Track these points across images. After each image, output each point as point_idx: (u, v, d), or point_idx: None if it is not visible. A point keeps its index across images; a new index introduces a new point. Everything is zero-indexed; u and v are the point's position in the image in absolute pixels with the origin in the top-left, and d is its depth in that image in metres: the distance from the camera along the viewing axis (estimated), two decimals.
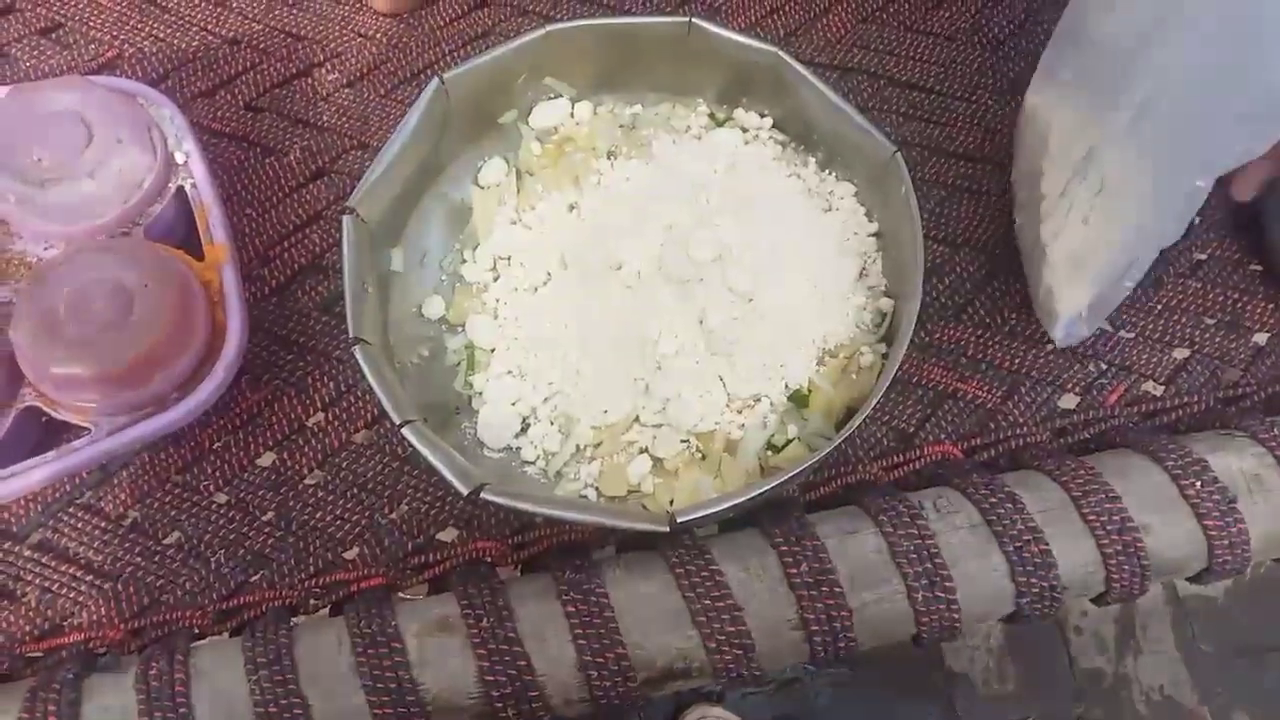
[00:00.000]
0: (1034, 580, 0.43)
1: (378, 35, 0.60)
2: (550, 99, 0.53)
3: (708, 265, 0.46)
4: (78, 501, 0.47)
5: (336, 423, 0.49)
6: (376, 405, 0.49)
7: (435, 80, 0.47)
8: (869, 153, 0.48)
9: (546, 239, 0.50)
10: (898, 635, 0.43)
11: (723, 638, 0.41)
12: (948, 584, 0.43)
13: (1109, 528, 0.44)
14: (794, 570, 0.42)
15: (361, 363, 0.42)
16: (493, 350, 0.48)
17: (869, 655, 0.44)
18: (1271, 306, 0.53)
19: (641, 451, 0.47)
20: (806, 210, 0.50)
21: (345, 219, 0.44)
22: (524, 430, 0.47)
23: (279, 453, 0.48)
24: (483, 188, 0.52)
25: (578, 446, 0.47)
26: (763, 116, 0.53)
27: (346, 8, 0.60)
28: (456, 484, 0.40)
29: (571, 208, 0.51)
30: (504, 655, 0.40)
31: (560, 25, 0.49)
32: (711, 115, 0.53)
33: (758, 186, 0.50)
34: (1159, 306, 0.53)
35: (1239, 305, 0.53)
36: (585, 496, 0.46)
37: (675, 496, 0.45)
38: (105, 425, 0.44)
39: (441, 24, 0.61)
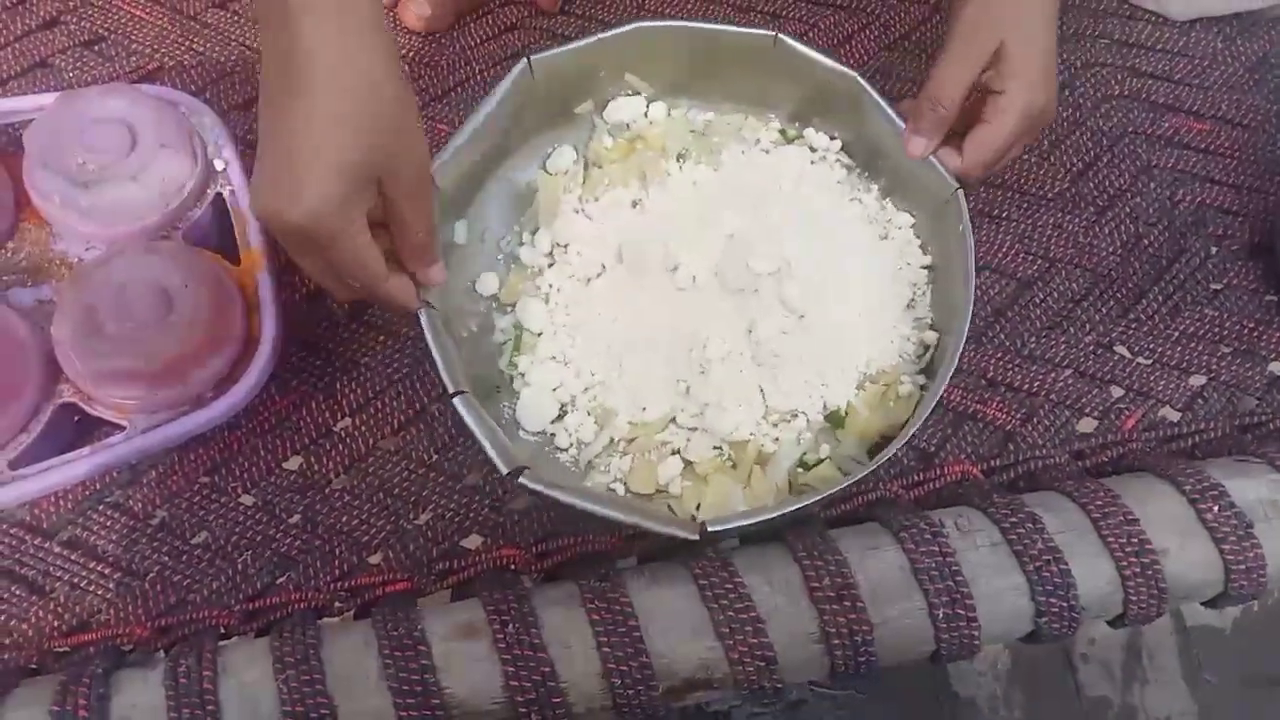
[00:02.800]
0: (1053, 600, 0.44)
1: (410, 54, 0.61)
2: (627, 95, 0.54)
3: (764, 277, 0.47)
4: (107, 500, 0.47)
5: (364, 428, 0.50)
6: (404, 411, 0.50)
7: (523, 60, 0.48)
8: (931, 187, 0.49)
9: (606, 231, 0.51)
10: (917, 652, 0.44)
11: (745, 649, 0.41)
12: (968, 601, 0.43)
13: (1127, 550, 0.44)
14: (816, 584, 0.43)
15: (424, 326, 0.43)
16: (540, 334, 0.49)
17: (875, 677, 0.44)
18: None
19: (674, 453, 0.47)
20: (864, 236, 0.51)
21: None
22: (560, 417, 0.48)
23: (306, 456, 0.49)
24: (550, 174, 0.53)
25: (611, 439, 0.47)
26: (832, 139, 0.54)
27: None
28: (498, 462, 0.41)
29: (635, 204, 0.52)
30: (528, 661, 0.40)
31: (649, 24, 0.50)
32: (782, 131, 0.54)
33: (820, 206, 0.51)
34: (1176, 334, 0.54)
35: (1255, 334, 0.54)
36: (613, 490, 0.47)
37: (703, 501, 0.46)
38: (141, 422, 0.44)
39: (473, 44, 0.62)
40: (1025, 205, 0.58)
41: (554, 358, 0.49)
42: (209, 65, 0.59)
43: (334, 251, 0.39)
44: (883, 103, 0.49)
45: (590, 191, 0.52)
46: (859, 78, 0.50)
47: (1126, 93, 0.62)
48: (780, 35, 0.50)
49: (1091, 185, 0.58)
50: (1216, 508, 0.46)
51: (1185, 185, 0.59)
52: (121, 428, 0.45)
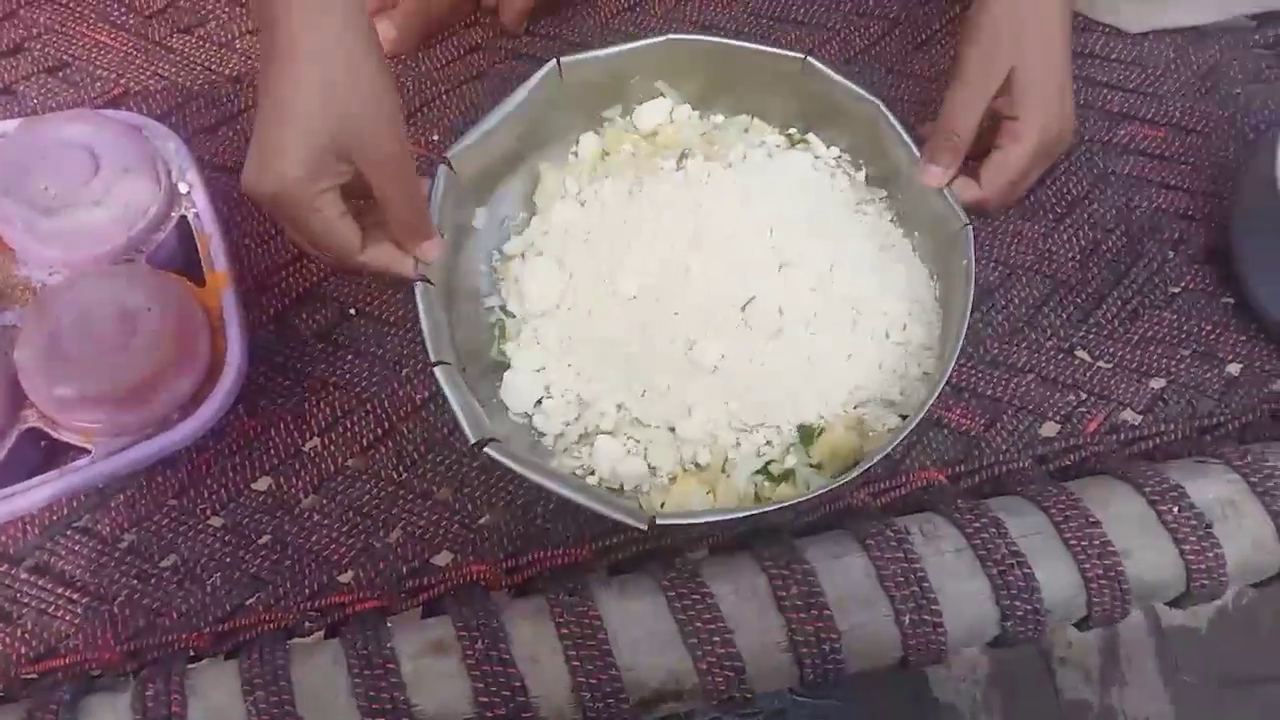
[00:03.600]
0: (1018, 603, 0.44)
1: None
2: (654, 100, 0.55)
3: (749, 281, 0.48)
4: (75, 524, 0.47)
5: (333, 447, 0.50)
6: (372, 430, 0.50)
7: (552, 62, 0.50)
8: (943, 219, 0.49)
9: (595, 223, 0.52)
10: (885, 658, 0.44)
11: (714, 659, 0.42)
12: (934, 607, 0.43)
13: (1090, 552, 0.45)
14: (784, 593, 0.43)
15: (418, 299, 0.45)
16: (521, 316, 0.51)
17: (855, 686, 0.45)
18: (1244, 338, 0.55)
19: (643, 454, 0.48)
20: (866, 248, 0.51)
21: (440, 168, 0.48)
22: (540, 403, 0.49)
23: (275, 477, 0.49)
24: (554, 166, 0.54)
25: (586, 430, 0.48)
26: (829, 147, 0.55)
27: None
28: (467, 430, 0.42)
29: (630, 194, 0.52)
30: (498, 677, 0.41)
31: (679, 37, 0.52)
32: (789, 135, 0.55)
33: (824, 217, 0.51)
34: (1135, 337, 0.55)
35: (1213, 337, 0.55)
36: (578, 476, 0.48)
37: (667, 501, 0.47)
38: (105, 446, 0.44)
39: (438, 66, 0.62)
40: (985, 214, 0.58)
41: (538, 343, 0.50)
42: (174, 90, 0.59)
43: (304, 223, 0.43)
44: (901, 131, 0.50)
45: (591, 182, 0.53)
46: (880, 105, 0.50)
47: (1083, 102, 0.63)
48: (808, 58, 0.51)
49: (1050, 193, 0.59)
50: (1176, 508, 0.46)
51: (1141, 191, 0.60)
52: (87, 451, 0.45)
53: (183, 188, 0.51)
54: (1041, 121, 0.48)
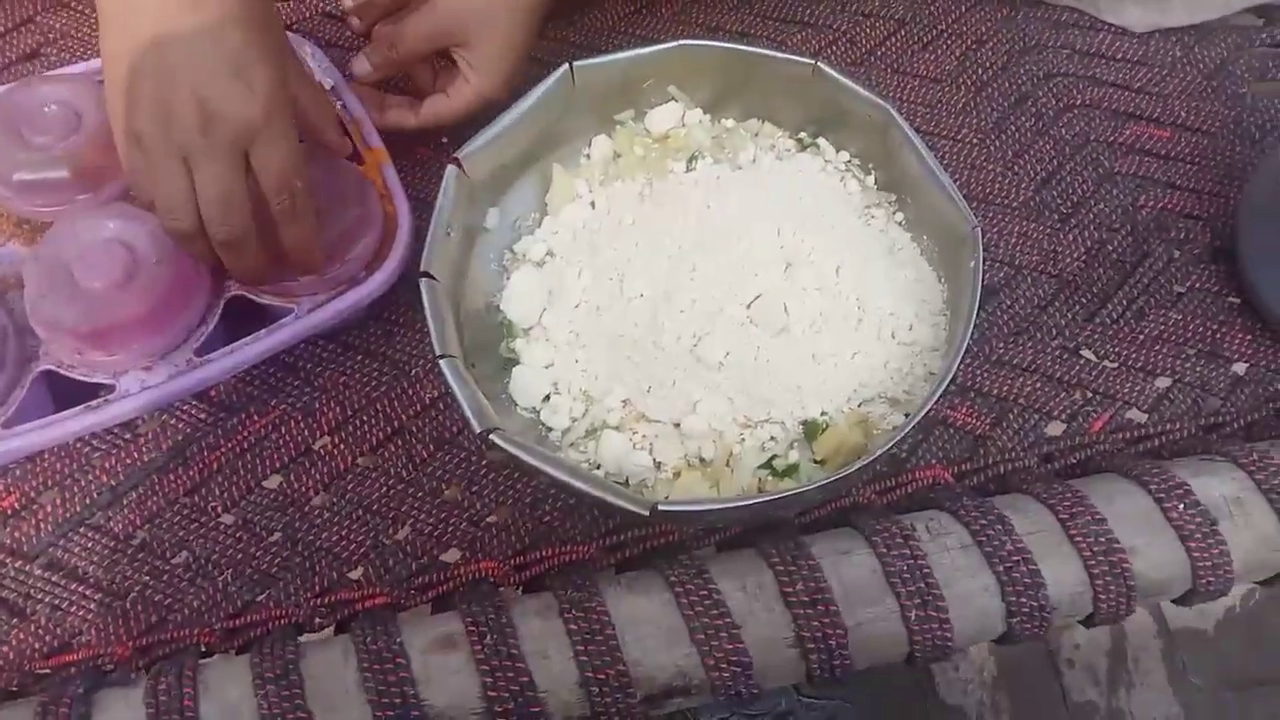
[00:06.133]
0: (1024, 600, 0.44)
1: None
2: (665, 104, 0.56)
3: (756, 280, 0.48)
4: (88, 521, 0.48)
5: (343, 446, 0.50)
6: (382, 429, 0.51)
7: (564, 65, 0.51)
8: (950, 221, 0.49)
9: (605, 222, 0.52)
10: (892, 654, 0.44)
11: (720, 655, 0.42)
12: (940, 604, 0.44)
13: (1095, 549, 0.45)
14: (790, 589, 0.43)
15: (424, 295, 0.46)
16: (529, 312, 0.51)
17: (863, 686, 0.45)
18: (1249, 337, 0.55)
19: (648, 449, 0.48)
20: (873, 251, 0.51)
21: (449, 168, 0.49)
22: (548, 398, 0.49)
23: (285, 475, 0.49)
24: (566, 168, 0.55)
25: (593, 425, 0.48)
26: (839, 151, 0.55)
27: None
28: (473, 421, 0.43)
29: (641, 195, 0.53)
30: (506, 672, 0.41)
31: (692, 42, 0.53)
32: (799, 140, 0.56)
33: (832, 219, 0.51)
34: (1141, 337, 0.55)
35: (1218, 336, 0.55)
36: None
37: (671, 494, 0.47)
38: (307, 304, 0.51)
39: None
40: (990, 214, 0.59)
41: (546, 339, 0.50)
42: None
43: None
44: (912, 136, 0.50)
45: (603, 183, 0.54)
46: (892, 110, 0.51)
47: (1088, 101, 0.63)
48: (819, 63, 0.51)
49: (1055, 193, 0.60)
50: (1182, 506, 0.47)
51: (1147, 191, 0.60)
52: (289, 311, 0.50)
53: (327, 83, 0.57)
54: (487, 85, 0.54)
